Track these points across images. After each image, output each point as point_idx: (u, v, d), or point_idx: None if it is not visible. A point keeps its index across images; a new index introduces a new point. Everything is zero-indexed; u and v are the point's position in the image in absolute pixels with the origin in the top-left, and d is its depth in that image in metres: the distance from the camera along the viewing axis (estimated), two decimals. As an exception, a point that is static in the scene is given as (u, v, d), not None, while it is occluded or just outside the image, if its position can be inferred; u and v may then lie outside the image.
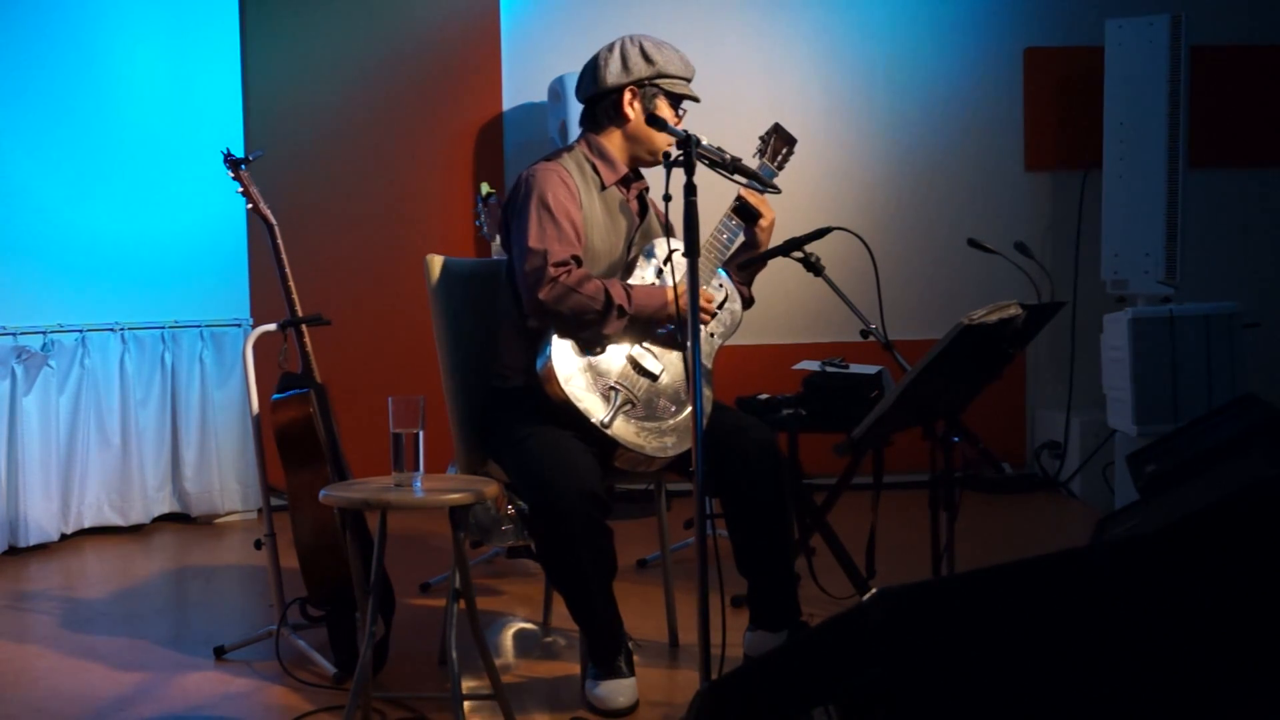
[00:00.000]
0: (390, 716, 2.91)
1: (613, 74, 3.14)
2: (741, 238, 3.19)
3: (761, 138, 3.30)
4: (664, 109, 3.15)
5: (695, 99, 3.21)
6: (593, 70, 3.17)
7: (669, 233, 3.04)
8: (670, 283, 3.05)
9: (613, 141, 3.20)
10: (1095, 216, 5.53)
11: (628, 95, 3.14)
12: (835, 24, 5.90)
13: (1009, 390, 5.82)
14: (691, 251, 2.50)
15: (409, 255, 5.37)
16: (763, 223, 3.16)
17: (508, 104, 5.78)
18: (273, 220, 3.41)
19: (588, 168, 3.17)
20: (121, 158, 5.09)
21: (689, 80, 3.20)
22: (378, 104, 5.70)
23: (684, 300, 2.96)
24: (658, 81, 3.14)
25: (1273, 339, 5.58)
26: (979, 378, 2.91)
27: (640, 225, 3.22)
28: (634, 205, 3.24)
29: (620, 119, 3.16)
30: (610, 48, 3.17)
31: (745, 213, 3.16)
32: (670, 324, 3.03)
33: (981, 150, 5.95)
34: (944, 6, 5.94)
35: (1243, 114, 5.88)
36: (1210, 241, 5.83)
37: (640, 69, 3.13)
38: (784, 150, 3.30)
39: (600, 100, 3.18)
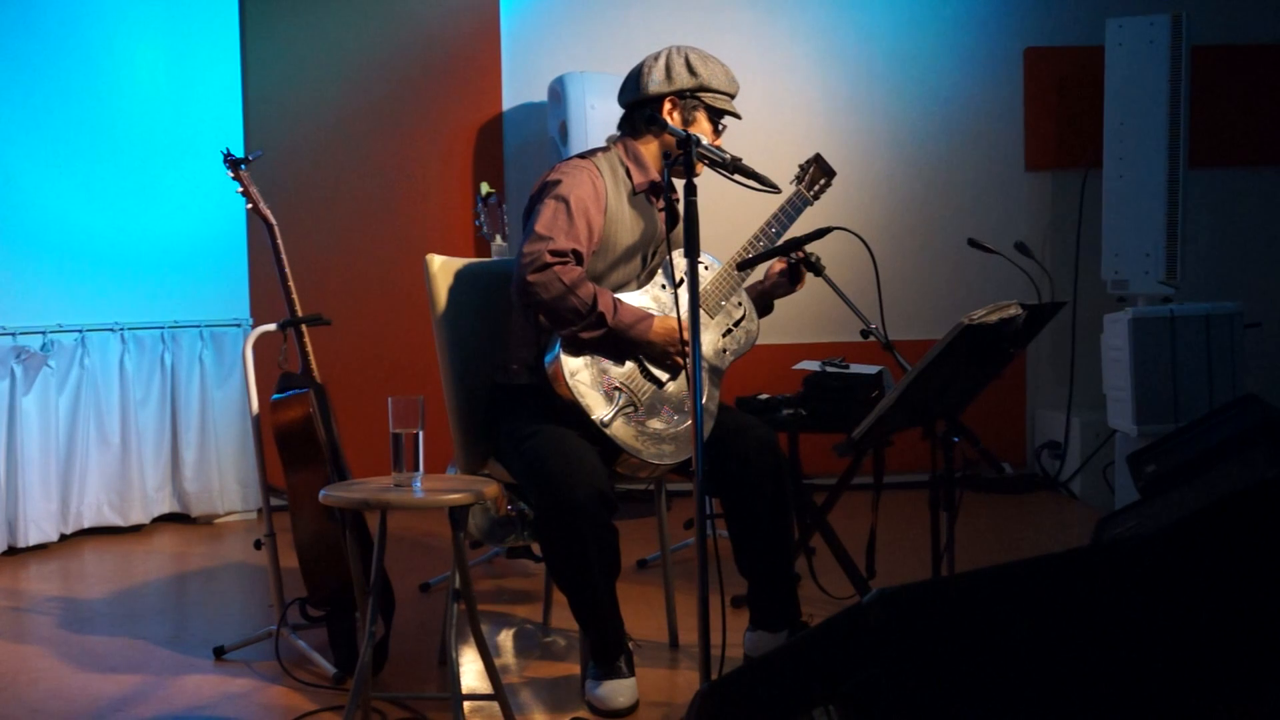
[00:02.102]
0: (390, 716, 2.91)
1: (655, 82, 3.13)
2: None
3: (801, 165, 3.29)
4: (703, 122, 3.15)
5: (736, 115, 3.21)
6: (636, 77, 3.17)
7: (674, 245, 3.04)
8: (683, 294, 3.03)
9: (649, 149, 3.19)
10: (1095, 216, 5.53)
11: (667, 105, 3.14)
12: (835, 24, 5.90)
13: (1009, 390, 5.82)
14: (691, 251, 2.50)
15: (409, 255, 5.38)
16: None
17: (508, 104, 5.78)
18: (273, 220, 3.41)
19: (620, 170, 3.17)
20: (121, 158, 5.09)
21: (733, 96, 3.20)
22: (378, 104, 5.70)
23: (660, 328, 2.98)
24: (699, 94, 3.14)
25: (1273, 339, 5.59)
26: (979, 378, 2.91)
27: (669, 234, 3.22)
28: (663, 214, 3.23)
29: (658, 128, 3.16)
30: (656, 56, 3.16)
31: (807, 266, 3.16)
32: (645, 349, 3.01)
33: (981, 150, 5.95)
34: (944, 6, 5.94)
35: (1243, 114, 5.88)
36: (1210, 241, 5.84)
37: (683, 80, 3.13)
38: (822, 181, 3.29)
39: (640, 107, 3.17)
